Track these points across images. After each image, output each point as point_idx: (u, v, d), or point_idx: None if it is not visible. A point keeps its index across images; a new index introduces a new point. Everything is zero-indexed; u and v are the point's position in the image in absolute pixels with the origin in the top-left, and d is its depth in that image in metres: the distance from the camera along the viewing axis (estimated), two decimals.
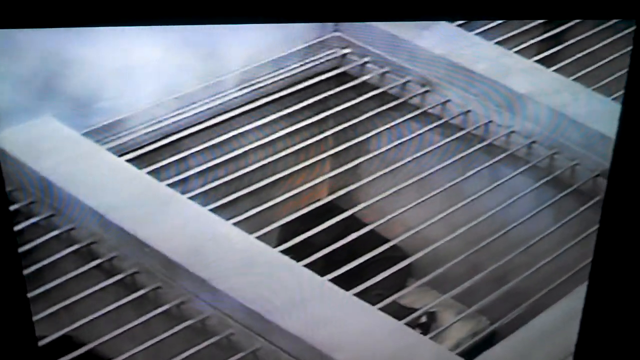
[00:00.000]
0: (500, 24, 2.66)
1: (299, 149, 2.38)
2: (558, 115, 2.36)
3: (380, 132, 2.43)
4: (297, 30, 2.52)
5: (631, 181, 1.24)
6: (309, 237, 2.13)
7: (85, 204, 1.99)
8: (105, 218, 2.00)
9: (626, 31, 2.65)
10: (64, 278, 1.98)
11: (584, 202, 2.25)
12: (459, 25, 2.61)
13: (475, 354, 1.94)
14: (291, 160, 2.36)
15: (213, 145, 2.37)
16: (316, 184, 2.29)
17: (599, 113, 2.35)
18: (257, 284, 1.90)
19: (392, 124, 2.45)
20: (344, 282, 2.07)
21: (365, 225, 2.17)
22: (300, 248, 2.12)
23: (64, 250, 2.04)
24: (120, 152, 2.28)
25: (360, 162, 2.36)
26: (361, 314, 1.90)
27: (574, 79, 2.48)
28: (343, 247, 2.11)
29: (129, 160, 2.25)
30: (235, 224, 2.11)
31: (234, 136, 2.40)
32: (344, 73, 2.57)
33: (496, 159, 2.37)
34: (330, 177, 2.34)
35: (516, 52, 2.58)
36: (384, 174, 2.31)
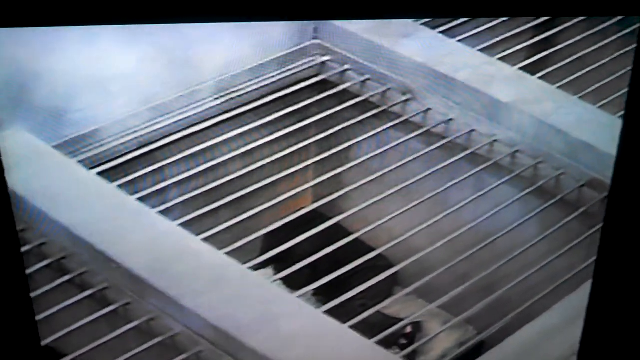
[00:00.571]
0: (488, 28, 2.65)
1: (280, 158, 2.37)
2: (542, 124, 2.33)
3: (363, 140, 2.42)
4: (275, 37, 2.51)
5: (635, 180, 1.23)
6: (293, 246, 2.12)
7: (55, 219, 1.91)
8: (75, 234, 1.98)
9: (616, 36, 2.66)
10: (37, 292, 1.95)
11: (569, 212, 2.23)
12: (442, 32, 2.60)
13: None
14: (273, 168, 2.34)
15: (191, 155, 2.34)
16: (300, 193, 2.28)
17: (583, 122, 2.33)
18: (226, 301, 1.88)
19: (374, 132, 2.43)
20: (328, 291, 2.08)
21: (350, 233, 2.17)
22: (284, 257, 2.12)
23: (35, 265, 2.02)
24: (94, 163, 2.26)
25: (343, 170, 2.34)
26: (332, 332, 1.88)
27: (562, 85, 2.46)
28: (327, 256, 2.09)
29: (103, 172, 2.23)
30: (216, 233, 2.10)
31: (212, 145, 2.37)
32: (324, 81, 2.55)
33: (480, 168, 2.34)
34: (314, 186, 2.32)
35: (504, 57, 2.57)
36: (368, 182, 2.30)
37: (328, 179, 2.31)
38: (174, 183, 2.27)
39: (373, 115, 2.46)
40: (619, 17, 2.67)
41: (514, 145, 2.34)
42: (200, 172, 2.31)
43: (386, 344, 2.08)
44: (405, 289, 2.09)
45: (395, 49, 2.49)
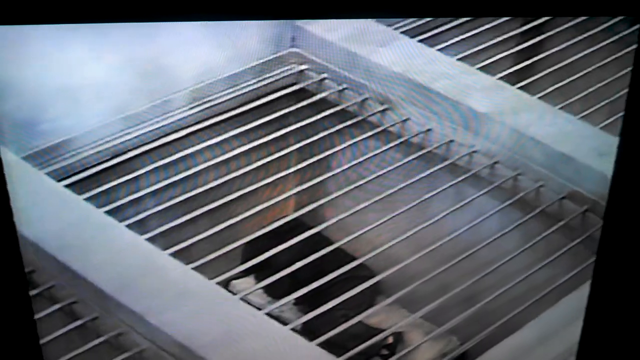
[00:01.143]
0: (471, 36, 2.63)
1: (259, 166, 2.34)
2: (521, 135, 2.29)
3: (342, 149, 2.40)
4: (252, 46, 2.48)
5: (635, 181, 1.20)
6: (274, 255, 2.09)
7: (22, 233, 1.80)
8: (41, 247, 1.94)
9: (603, 43, 2.64)
10: None
11: (550, 224, 2.20)
12: (422, 40, 2.58)
13: None
14: (252, 177, 2.32)
15: (166, 165, 2.31)
16: (280, 201, 2.26)
17: (563, 133, 2.29)
18: (191, 318, 1.85)
19: (353, 141, 2.41)
20: (310, 301, 2.08)
21: (331, 243, 2.16)
22: (265, 266, 2.10)
23: None
24: (66, 174, 2.22)
25: (324, 179, 2.32)
26: (298, 350, 1.86)
27: (548, 94, 2.43)
28: (309, 265, 2.07)
29: (75, 183, 2.20)
30: (195, 242, 2.08)
31: (188, 154, 2.34)
32: (301, 89, 2.52)
33: (459, 178, 2.31)
34: (295, 194, 2.31)
35: (488, 65, 2.54)
36: (348, 191, 2.28)
37: (309, 187, 2.29)
38: (149, 193, 2.24)
39: (351, 125, 2.44)
40: (606, 24, 2.68)
41: (493, 157, 2.31)
42: (176, 181, 2.27)
43: (367, 354, 2.10)
44: (387, 299, 2.07)
45: (372, 58, 2.46)
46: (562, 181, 2.20)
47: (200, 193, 2.23)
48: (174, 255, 2.01)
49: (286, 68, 2.49)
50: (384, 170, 2.30)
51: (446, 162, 2.32)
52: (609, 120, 2.33)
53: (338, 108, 2.44)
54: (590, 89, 2.44)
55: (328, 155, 2.36)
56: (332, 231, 2.20)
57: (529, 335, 1.89)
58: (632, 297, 1.28)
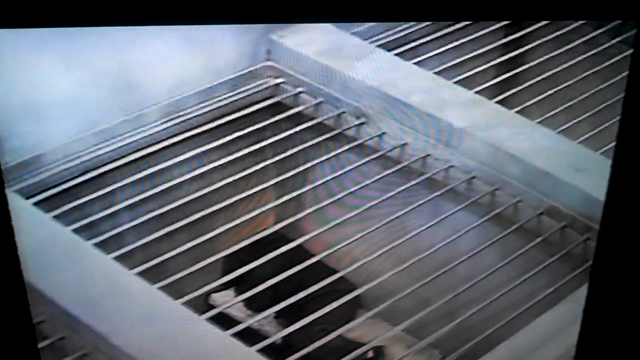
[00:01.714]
0: (452, 47, 2.59)
1: (237, 179, 2.30)
2: (498, 150, 2.26)
3: (320, 162, 2.37)
4: (227, 59, 2.45)
5: (631, 187, 1.21)
6: (255, 268, 2.07)
7: None
8: None
9: (588, 54, 2.61)
10: None
11: (529, 239, 2.18)
12: (398, 54, 2.55)
13: None
14: (230, 190, 2.28)
15: (141, 179, 2.27)
16: (260, 214, 2.23)
17: (541, 148, 2.27)
18: (156, 339, 1.82)
19: (330, 155, 2.39)
20: (290, 314, 2.07)
21: (312, 255, 2.15)
22: (246, 279, 2.08)
23: None
24: (36, 190, 2.17)
25: (303, 192, 2.29)
26: None
27: (529, 106, 2.40)
28: (289, 278, 2.06)
29: (46, 199, 2.16)
30: (171, 257, 2.05)
31: (164, 168, 2.30)
32: (278, 103, 2.50)
33: (436, 193, 2.30)
34: (275, 207, 2.29)
35: (469, 77, 2.51)
36: (327, 204, 2.25)
37: (288, 200, 2.28)
38: (125, 207, 2.21)
39: (329, 138, 2.42)
40: (588, 36, 2.66)
41: (470, 172, 2.31)
42: (152, 195, 2.24)
43: None
44: (368, 312, 2.06)
45: (348, 72, 2.44)
46: (539, 197, 2.18)
47: (177, 207, 2.21)
48: (151, 269, 1.99)
49: (262, 81, 2.48)
50: (362, 184, 2.29)
51: (423, 177, 2.31)
52: (591, 133, 2.33)
53: (315, 121, 2.43)
54: (572, 102, 2.41)
55: (306, 169, 2.34)
56: (312, 244, 2.19)
57: (512, 348, 1.87)
58: (628, 307, 1.27)
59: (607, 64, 2.54)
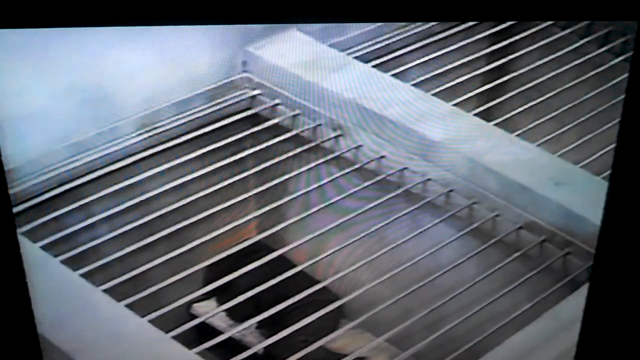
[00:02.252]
0: (436, 57, 2.56)
1: (217, 190, 2.28)
2: (476, 163, 2.23)
3: (300, 173, 2.36)
4: (202, 71, 2.41)
5: (633, 182, 1.22)
6: (237, 278, 2.07)
7: None
8: None
9: (573, 63, 2.57)
10: None
11: (508, 252, 2.16)
12: (379, 65, 2.53)
13: None
14: (210, 201, 2.26)
15: (118, 191, 2.24)
16: (241, 224, 2.22)
17: (519, 161, 2.24)
18: (121, 357, 1.80)
19: (309, 166, 2.36)
20: (272, 324, 2.06)
21: (294, 266, 2.15)
22: (228, 289, 2.08)
23: None
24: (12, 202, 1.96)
25: (284, 203, 2.28)
26: None
27: (515, 114, 2.39)
28: (272, 288, 2.05)
29: (22, 212, 2.11)
30: (152, 268, 2.04)
31: (141, 180, 2.28)
32: (255, 114, 2.48)
33: (415, 206, 2.28)
34: (256, 217, 2.27)
35: (452, 87, 2.49)
36: (308, 215, 2.24)
37: (269, 210, 2.26)
38: (103, 219, 2.17)
39: (307, 150, 2.42)
40: (573, 46, 2.64)
41: (447, 185, 2.29)
42: (130, 207, 2.22)
43: None
44: (351, 323, 2.06)
45: (324, 83, 2.41)
46: (518, 211, 2.15)
47: (156, 218, 2.19)
48: (131, 280, 1.98)
49: (238, 93, 2.45)
50: (341, 196, 2.27)
51: (401, 189, 2.29)
52: (577, 142, 2.32)
53: (292, 133, 2.41)
54: (558, 111, 2.39)
55: (286, 180, 2.32)
56: (294, 254, 2.18)
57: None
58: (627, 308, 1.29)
59: (593, 73, 2.53)
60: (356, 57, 2.55)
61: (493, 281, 2.09)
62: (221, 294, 2.18)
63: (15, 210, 2.08)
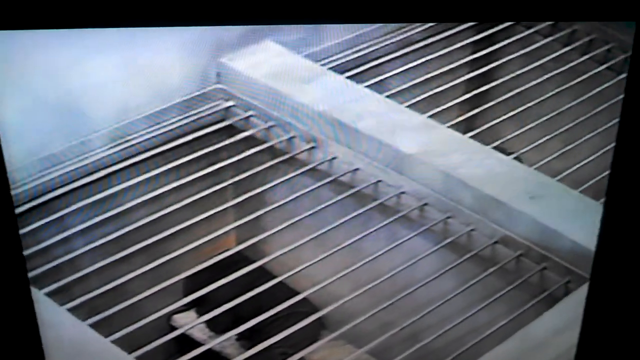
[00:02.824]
0: (419, 64, 2.53)
1: (194, 201, 2.24)
2: (450, 177, 2.21)
3: (276, 185, 2.33)
4: (175, 82, 2.38)
5: (633, 180, 1.22)
6: (216, 289, 2.06)
7: None
8: None
9: (557, 70, 2.54)
10: None
11: (486, 266, 2.14)
12: (349, 77, 2.51)
13: None
14: (187, 212, 2.23)
15: (93, 203, 2.21)
16: (220, 235, 2.19)
17: (494, 174, 2.23)
18: None
19: (285, 177, 2.35)
20: (252, 336, 2.05)
21: (273, 277, 2.14)
22: (207, 300, 2.06)
23: None
24: None
25: (262, 214, 2.26)
26: None
27: (498, 122, 2.37)
28: (251, 299, 2.04)
29: None
30: (130, 279, 2.02)
31: (115, 192, 2.24)
32: (229, 126, 2.45)
33: (390, 219, 2.26)
34: (234, 228, 2.25)
35: (435, 94, 2.46)
36: (286, 227, 2.22)
37: (247, 222, 2.25)
38: (78, 232, 2.15)
39: (283, 161, 2.39)
40: (556, 54, 2.62)
41: (422, 198, 2.29)
42: (106, 219, 2.19)
43: None
44: (331, 334, 2.05)
45: (297, 95, 2.39)
46: (493, 225, 2.14)
47: (133, 230, 2.18)
48: (109, 292, 1.95)
49: (212, 104, 2.44)
50: (317, 208, 2.26)
51: (376, 202, 2.29)
52: (561, 151, 2.31)
53: (266, 145, 2.39)
54: (542, 119, 2.37)
55: (264, 190, 2.31)
56: (274, 266, 2.17)
57: None
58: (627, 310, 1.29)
59: (576, 81, 2.51)
60: (334, 67, 2.54)
61: (471, 294, 2.09)
62: (200, 306, 2.18)
63: None
